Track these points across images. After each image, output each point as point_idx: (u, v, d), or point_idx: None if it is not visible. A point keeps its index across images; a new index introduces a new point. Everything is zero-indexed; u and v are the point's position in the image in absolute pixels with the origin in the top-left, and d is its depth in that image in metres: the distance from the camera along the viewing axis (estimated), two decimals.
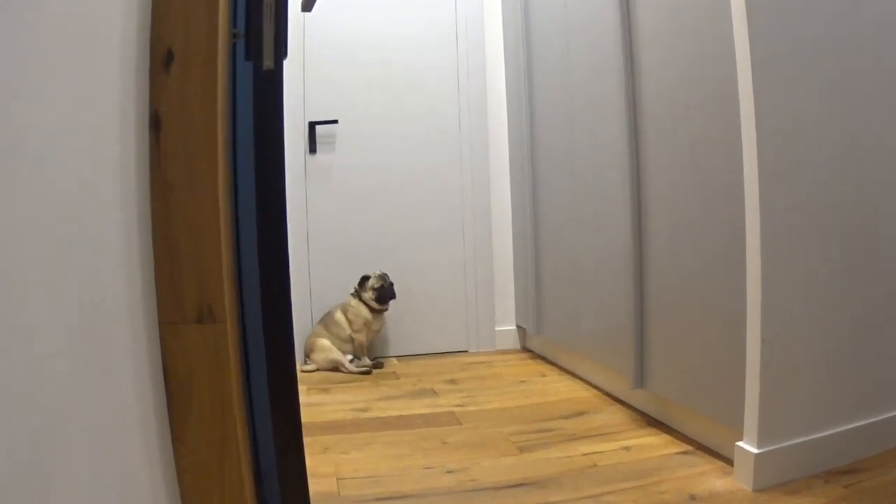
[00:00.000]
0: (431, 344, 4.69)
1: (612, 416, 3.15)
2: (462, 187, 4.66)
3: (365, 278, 4.29)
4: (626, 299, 3.10)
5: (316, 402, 3.52)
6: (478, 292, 4.72)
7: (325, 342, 4.22)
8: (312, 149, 4.42)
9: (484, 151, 4.65)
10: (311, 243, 4.48)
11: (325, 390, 3.75)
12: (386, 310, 4.34)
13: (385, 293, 4.26)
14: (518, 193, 4.54)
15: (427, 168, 4.63)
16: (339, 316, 4.30)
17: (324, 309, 4.48)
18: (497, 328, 4.75)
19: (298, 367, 4.14)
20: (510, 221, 4.71)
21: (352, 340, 4.30)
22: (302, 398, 3.48)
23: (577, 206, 3.66)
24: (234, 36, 1.44)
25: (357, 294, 4.30)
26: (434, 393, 3.65)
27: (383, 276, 4.28)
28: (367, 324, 4.30)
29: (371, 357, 4.46)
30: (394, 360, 4.52)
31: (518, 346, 4.74)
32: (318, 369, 4.20)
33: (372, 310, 4.28)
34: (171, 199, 1.26)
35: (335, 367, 4.17)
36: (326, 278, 4.54)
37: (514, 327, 4.78)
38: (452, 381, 3.90)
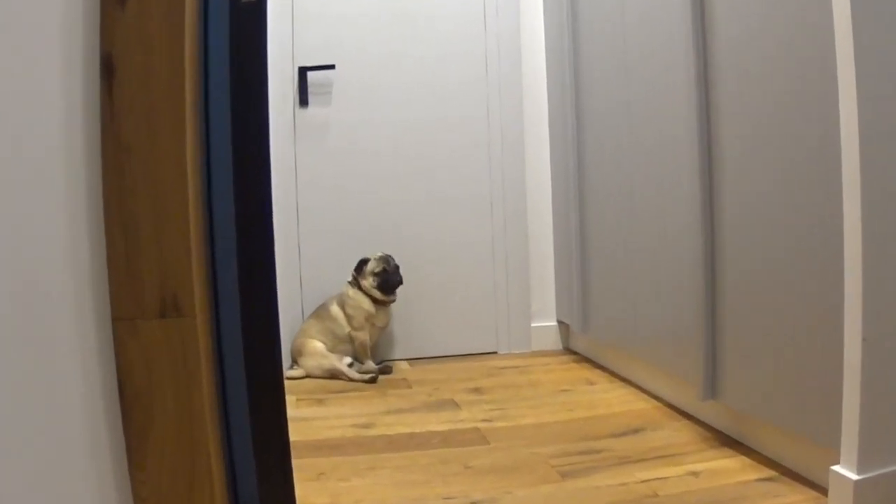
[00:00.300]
0: (451, 344, 4.72)
1: (677, 433, 3.16)
2: (489, 149, 4.66)
3: (363, 262, 4.34)
4: (693, 289, 3.12)
5: (308, 417, 3.56)
6: (509, 280, 4.73)
7: (316, 345, 4.29)
8: (303, 101, 4.45)
9: (517, 104, 4.66)
10: (301, 219, 4.51)
11: (320, 402, 3.80)
12: (392, 301, 4.39)
13: (389, 279, 4.31)
14: (559, 156, 4.54)
15: (445, 125, 4.64)
16: (335, 310, 4.35)
17: (317, 300, 4.52)
18: (533, 324, 4.78)
19: (284, 372, 4.22)
20: (549, 191, 4.73)
21: (351, 340, 4.35)
22: (291, 411, 3.49)
23: (632, 173, 3.68)
24: None
25: (355, 282, 4.36)
26: (455, 405, 3.68)
27: (386, 259, 4.33)
28: (369, 319, 4.34)
29: (376, 361, 4.47)
30: (404, 365, 4.56)
31: (559, 347, 4.79)
32: (307, 376, 4.26)
33: (375, 301, 4.33)
34: (128, 165, 1.26)
35: (332, 376, 4.24)
36: (320, 262, 4.56)
37: (555, 323, 4.81)
38: (477, 391, 3.93)
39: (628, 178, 3.70)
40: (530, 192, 4.71)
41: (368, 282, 4.28)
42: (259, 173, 1.48)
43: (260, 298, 1.49)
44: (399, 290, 4.48)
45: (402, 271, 4.49)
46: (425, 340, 4.71)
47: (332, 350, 4.34)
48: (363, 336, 4.34)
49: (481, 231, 4.71)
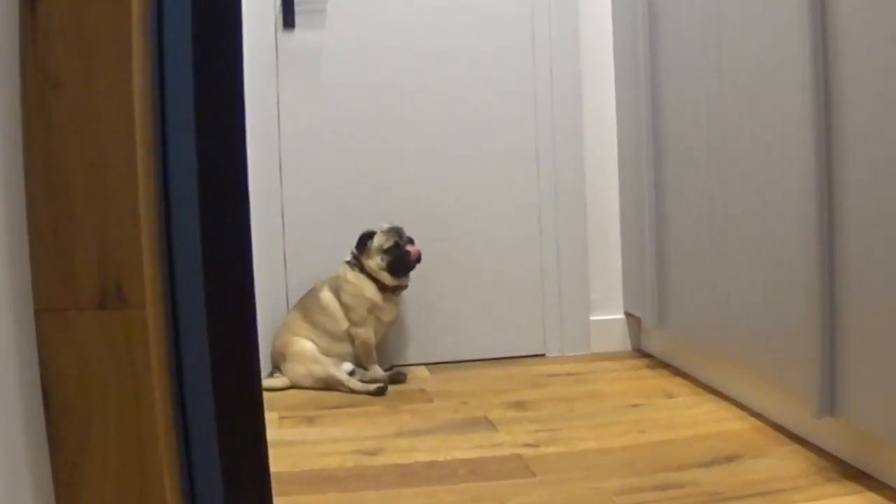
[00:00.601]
0: (484, 344, 4.84)
1: (784, 461, 3.18)
2: (536, 88, 4.75)
3: (367, 236, 4.42)
4: (805, 278, 3.14)
5: (295, 440, 3.63)
6: (561, 260, 4.85)
7: (305, 346, 4.39)
8: (288, 21, 4.53)
9: (571, 30, 4.76)
10: (285, 180, 4.62)
11: (310, 421, 3.88)
12: (405, 286, 4.48)
13: (402, 258, 4.38)
14: (628, 99, 4.63)
15: (478, 56, 4.72)
16: (326, 298, 4.46)
17: (306, 286, 4.60)
18: (593, 318, 4.90)
19: (263, 381, 4.28)
20: (614, 144, 4.83)
21: (351, 339, 4.44)
22: (272, 433, 3.21)
23: (724, 120, 3.70)
24: None
25: (355, 262, 4.45)
26: (489, 424, 3.74)
27: (397, 231, 4.42)
28: (373, 310, 4.43)
29: (384, 366, 4.55)
30: (422, 372, 4.67)
31: (626, 348, 4.92)
32: (292, 386, 4.36)
33: (382, 287, 4.41)
34: (55, 104, 1.27)
35: (326, 387, 4.33)
36: (310, 236, 4.67)
37: (621, 316, 4.93)
38: (519, 406, 4.01)
39: (719, 127, 3.73)
40: (589, 147, 4.80)
41: (374, 261, 4.37)
42: (229, 118, 1.47)
43: (230, 284, 1.49)
44: (414, 274, 4.53)
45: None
46: (450, 339, 4.82)
47: (325, 352, 4.41)
48: (366, 333, 4.41)
49: (524, 196, 4.82)
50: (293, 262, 4.65)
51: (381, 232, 4.40)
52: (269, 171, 4.56)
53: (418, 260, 4.41)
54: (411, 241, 4.45)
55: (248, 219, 1.51)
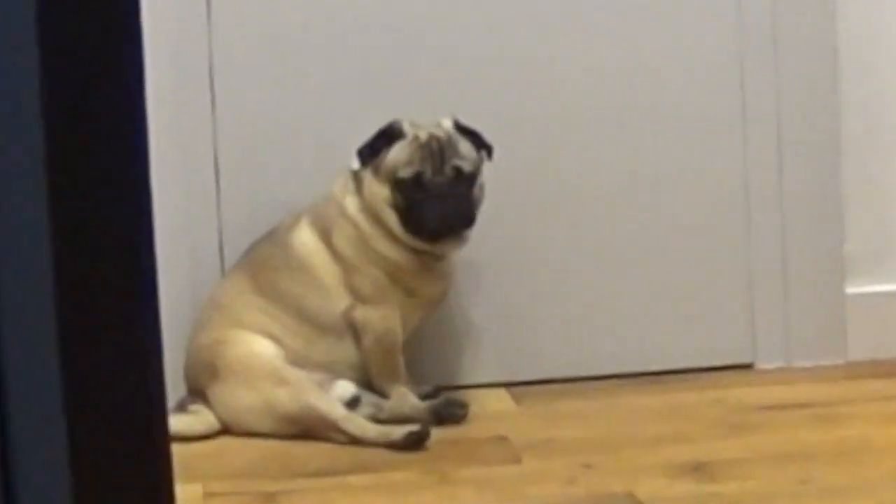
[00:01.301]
0: (627, 348, 4.02)
1: None
2: None
3: (388, 134, 3.63)
4: None
5: None
6: (786, 189, 4.07)
7: (256, 346, 3.61)
8: None
9: None
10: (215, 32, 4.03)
11: (269, 501, 3.27)
12: (460, 247, 3.71)
13: (420, 209, 3.62)
14: None
15: None
16: (305, 244, 3.68)
17: (259, 228, 3.79)
18: (851, 290, 4.01)
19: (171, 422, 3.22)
20: None
21: (354, 334, 3.65)
22: None
23: None
24: None
25: (358, 183, 3.69)
26: None
27: (438, 147, 3.64)
28: (400, 277, 3.66)
29: (424, 392, 3.70)
30: (500, 399, 3.89)
31: None
32: (225, 431, 3.59)
33: (412, 248, 3.65)
34: None
35: (304, 431, 3.53)
36: (267, 127, 3.95)
37: None
38: (700, 472, 3.31)
39: None
40: None
41: (379, 192, 3.58)
42: None
43: (99, 227, 1.21)
44: (488, 218, 3.71)
45: (501, 167, 3.70)
46: (553, 340, 3.97)
47: (301, 361, 3.56)
48: (385, 321, 3.60)
49: (716, 75, 4.13)
50: (231, 182, 3.83)
51: (411, 139, 3.56)
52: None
53: (464, 223, 3.56)
54: (465, 179, 3.58)
55: (144, 115, 1.21)
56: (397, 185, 3.56)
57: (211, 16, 3.96)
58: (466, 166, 3.56)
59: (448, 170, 3.54)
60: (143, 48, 1.22)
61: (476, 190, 3.59)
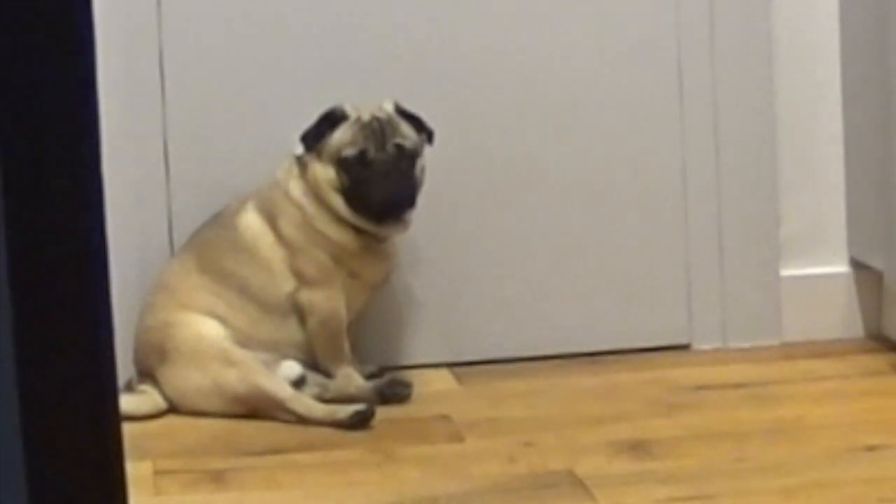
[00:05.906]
0: (567, 328, 4.04)
1: None
2: None
3: (331, 118, 3.68)
4: None
5: None
6: (722, 168, 4.15)
7: (203, 328, 3.65)
8: None
9: None
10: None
11: (216, 480, 3.23)
12: (402, 230, 3.78)
13: (365, 188, 3.67)
14: None
15: None
16: (251, 227, 3.72)
17: (207, 210, 3.82)
18: (785, 272, 4.06)
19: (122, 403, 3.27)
20: None
21: (299, 314, 3.71)
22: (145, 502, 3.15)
23: None
24: None
25: (303, 169, 3.75)
26: (578, 488, 3.11)
27: (379, 128, 3.70)
28: (344, 259, 3.71)
29: (369, 371, 3.73)
30: (442, 378, 3.93)
31: (856, 333, 4.01)
32: (172, 410, 3.61)
33: (356, 229, 3.71)
34: None
35: (250, 411, 3.56)
36: (219, 109, 3.97)
37: (845, 269, 4.10)
38: (638, 450, 3.34)
39: None
40: None
41: (323, 172, 3.66)
42: None
43: (50, 204, 1.24)
44: (430, 202, 3.77)
45: (442, 152, 3.75)
46: (496, 318, 4.03)
47: (246, 341, 3.59)
48: (330, 303, 3.67)
49: (651, 49, 4.16)
50: (183, 163, 3.86)
51: (353, 121, 3.63)
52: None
53: (407, 202, 3.65)
54: (407, 156, 3.65)
55: (94, 78, 1.24)
56: (342, 164, 3.62)
57: (161, 1, 3.98)
58: (408, 144, 3.63)
59: (390, 147, 3.60)
60: (95, 31, 1.21)
61: (417, 171, 3.65)
